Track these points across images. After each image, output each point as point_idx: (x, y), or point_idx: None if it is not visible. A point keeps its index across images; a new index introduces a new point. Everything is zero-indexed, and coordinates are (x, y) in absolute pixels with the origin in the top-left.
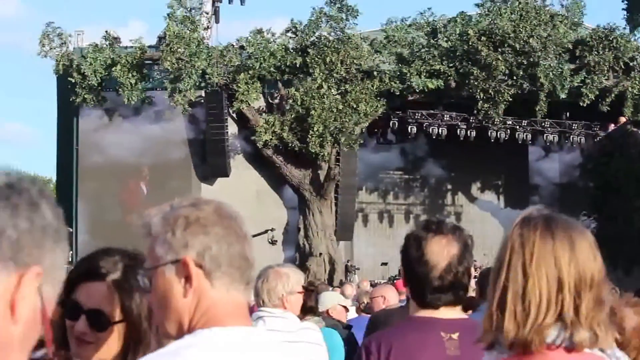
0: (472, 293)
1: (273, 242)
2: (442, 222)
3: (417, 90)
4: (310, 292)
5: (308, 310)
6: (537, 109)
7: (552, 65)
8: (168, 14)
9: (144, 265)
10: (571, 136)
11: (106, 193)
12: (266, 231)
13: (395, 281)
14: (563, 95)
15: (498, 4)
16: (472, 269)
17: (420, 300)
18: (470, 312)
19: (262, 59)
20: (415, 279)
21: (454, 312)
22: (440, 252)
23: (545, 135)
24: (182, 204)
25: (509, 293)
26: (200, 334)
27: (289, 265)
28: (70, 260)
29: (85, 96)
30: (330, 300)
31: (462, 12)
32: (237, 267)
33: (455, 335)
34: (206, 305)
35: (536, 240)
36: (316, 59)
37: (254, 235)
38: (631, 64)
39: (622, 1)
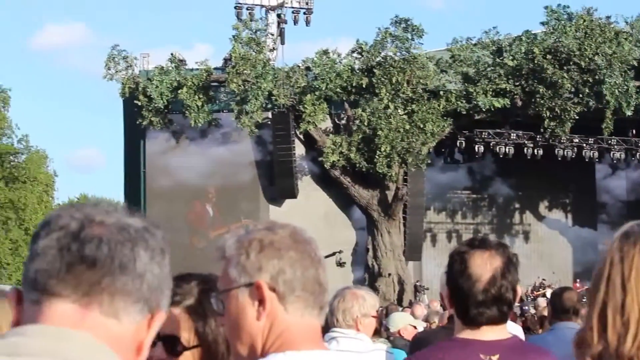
0: (543, 312)
1: (341, 264)
2: (485, 238)
3: (484, 110)
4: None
5: (375, 332)
6: (603, 127)
7: (617, 82)
8: (234, 36)
9: (217, 288)
10: (637, 153)
11: (173, 215)
12: (334, 253)
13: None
14: (629, 113)
15: (563, 22)
16: (541, 289)
17: (464, 316)
18: (540, 331)
19: (328, 79)
20: (459, 294)
21: (496, 332)
22: (484, 265)
23: (611, 152)
24: (257, 227)
25: (609, 308)
26: (274, 357)
27: (366, 288)
28: None
29: (152, 119)
30: (401, 320)
31: (527, 30)
32: (310, 292)
33: (495, 358)
34: (280, 329)
35: (636, 254)
36: (382, 79)
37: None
38: None
39: None
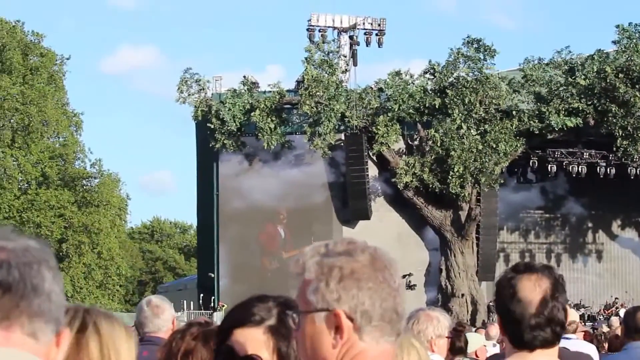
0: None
1: (411, 287)
2: (531, 263)
3: (556, 129)
4: (460, 332)
5: (457, 351)
6: None
7: None
8: (306, 58)
9: (295, 307)
10: None
11: (245, 237)
12: (404, 276)
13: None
14: None
15: (635, 40)
16: (614, 307)
17: (519, 341)
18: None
19: (401, 100)
20: (511, 319)
21: (549, 355)
22: (533, 288)
23: None
24: (337, 249)
25: None
26: None
27: (439, 309)
28: (212, 305)
29: (225, 141)
30: (477, 341)
31: (599, 49)
32: (387, 321)
33: None
34: (354, 353)
35: None
36: (455, 99)
37: None
38: None
39: None
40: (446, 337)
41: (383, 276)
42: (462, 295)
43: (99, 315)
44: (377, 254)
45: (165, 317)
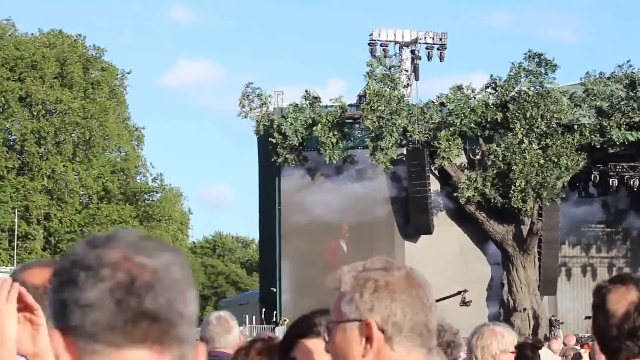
0: None
1: (466, 303)
2: (627, 274)
3: (618, 143)
4: (537, 348)
5: None
6: None
7: None
8: (368, 73)
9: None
10: None
11: (307, 252)
12: (459, 292)
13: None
14: None
15: None
16: None
17: (605, 350)
18: None
19: (462, 115)
20: (599, 330)
21: None
22: (619, 300)
23: None
24: (374, 265)
25: None
26: None
27: (503, 324)
28: (275, 320)
29: (287, 156)
30: (545, 356)
31: None
32: (418, 334)
33: None
34: None
35: None
36: (516, 113)
37: (448, 297)
38: None
39: None
40: (510, 352)
41: (417, 292)
42: (524, 309)
43: None
44: (413, 273)
45: (234, 333)
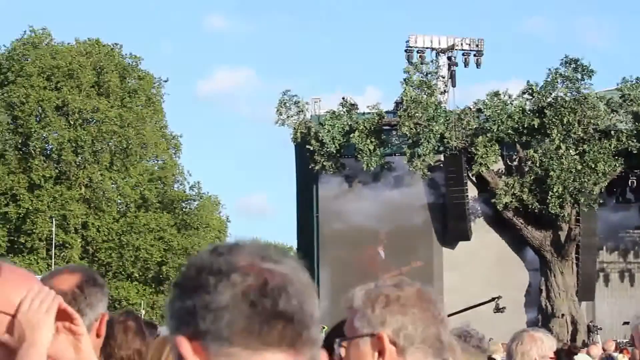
0: None
1: (500, 310)
2: None
3: None
4: (573, 354)
5: None
6: None
7: None
8: (405, 79)
9: (343, 335)
10: None
11: (345, 259)
12: (493, 299)
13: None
14: None
15: None
16: None
17: None
18: None
19: (499, 121)
20: None
21: None
22: None
23: None
24: (386, 283)
25: None
26: None
27: (543, 330)
28: None
29: (324, 163)
30: None
31: None
32: (430, 345)
33: None
34: None
35: None
36: (553, 119)
37: (482, 304)
38: None
39: None
40: (550, 358)
41: (427, 306)
42: (562, 315)
43: None
44: (424, 289)
45: None
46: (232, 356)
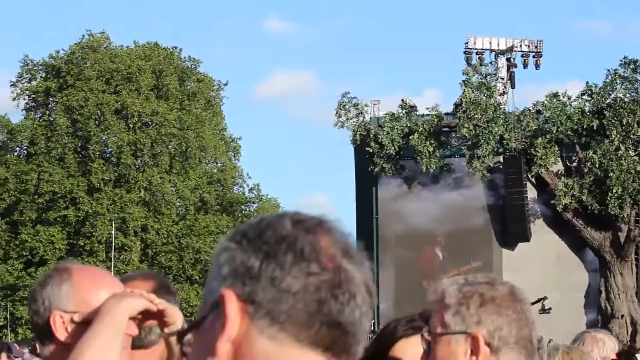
0: None
1: (546, 311)
2: None
3: None
4: (632, 354)
5: None
6: None
7: None
8: (464, 81)
9: (430, 329)
10: None
11: (404, 260)
12: (539, 300)
13: None
14: None
15: None
16: None
17: None
18: None
19: (559, 122)
20: None
21: None
22: None
23: None
24: (477, 280)
25: None
26: None
27: (604, 331)
28: (373, 329)
29: (384, 165)
30: None
31: None
32: (523, 346)
33: None
34: None
35: None
36: (612, 120)
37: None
38: None
39: None
40: (612, 359)
41: (521, 307)
42: (622, 316)
43: None
44: (515, 289)
45: None
46: (276, 341)
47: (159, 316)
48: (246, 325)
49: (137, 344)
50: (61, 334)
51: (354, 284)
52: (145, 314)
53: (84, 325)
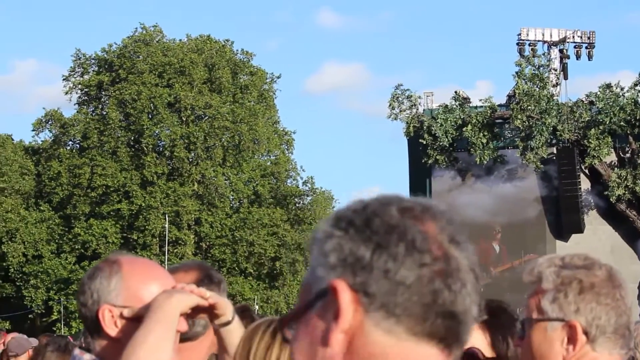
0: None
1: None
2: None
3: None
4: None
5: None
6: None
7: None
8: (517, 72)
9: (525, 314)
10: None
11: None
12: None
13: None
14: None
15: None
16: None
17: None
18: None
19: (612, 113)
20: None
21: None
22: None
23: None
24: (574, 262)
25: None
26: None
27: None
28: None
29: (437, 157)
30: None
31: None
32: (621, 335)
33: None
34: None
35: None
36: None
37: None
38: None
39: None
40: None
41: (620, 293)
42: None
43: None
44: (613, 271)
45: None
46: (393, 334)
47: (209, 310)
48: (360, 317)
49: (183, 336)
50: (110, 328)
51: (463, 271)
52: (196, 309)
53: (134, 320)
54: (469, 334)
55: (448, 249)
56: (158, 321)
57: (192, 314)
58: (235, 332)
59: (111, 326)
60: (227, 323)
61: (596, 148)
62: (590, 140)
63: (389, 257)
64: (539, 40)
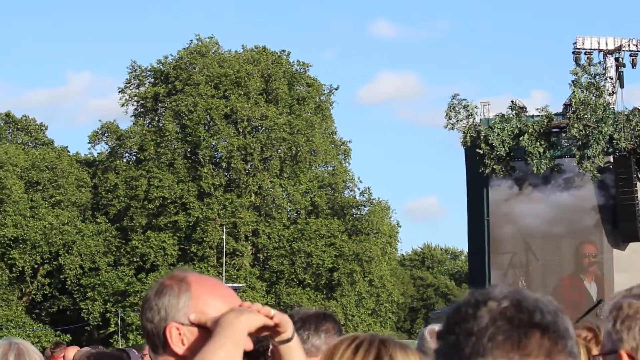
0: None
1: (598, 317)
2: None
3: None
4: None
5: None
6: None
7: None
8: (573, 81)
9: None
10: None
11: (516, 263)
12: (598, 303)
13: None
14: None
15: None
16: None
17: None
18: None
19: None
20: None
21: None
22: None
23: None
24: (632, 291)
25: None
26: None
27: None
28: None
29: (494, 167)
30: None
31: None
32: None
33: None
34: None
35: None
36: None
37: (588, 311)
38: None
39: None
40: None
41: None
42: None
43: (394, 347)
44: None
45: None
46: None
47: (273, 328)
48: None
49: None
50: (177, 346)
51: (534, 300)
52: (261, 327)
53: (201, 339)
54: (570, 343)
55: (512, 294)
56: (228, 337)
57: (256, 332)
58: (295, 350)
59: (178, 344)
60: (288, 340)
61: None
62: None
63: (465, 323)
64: (594, 49)
